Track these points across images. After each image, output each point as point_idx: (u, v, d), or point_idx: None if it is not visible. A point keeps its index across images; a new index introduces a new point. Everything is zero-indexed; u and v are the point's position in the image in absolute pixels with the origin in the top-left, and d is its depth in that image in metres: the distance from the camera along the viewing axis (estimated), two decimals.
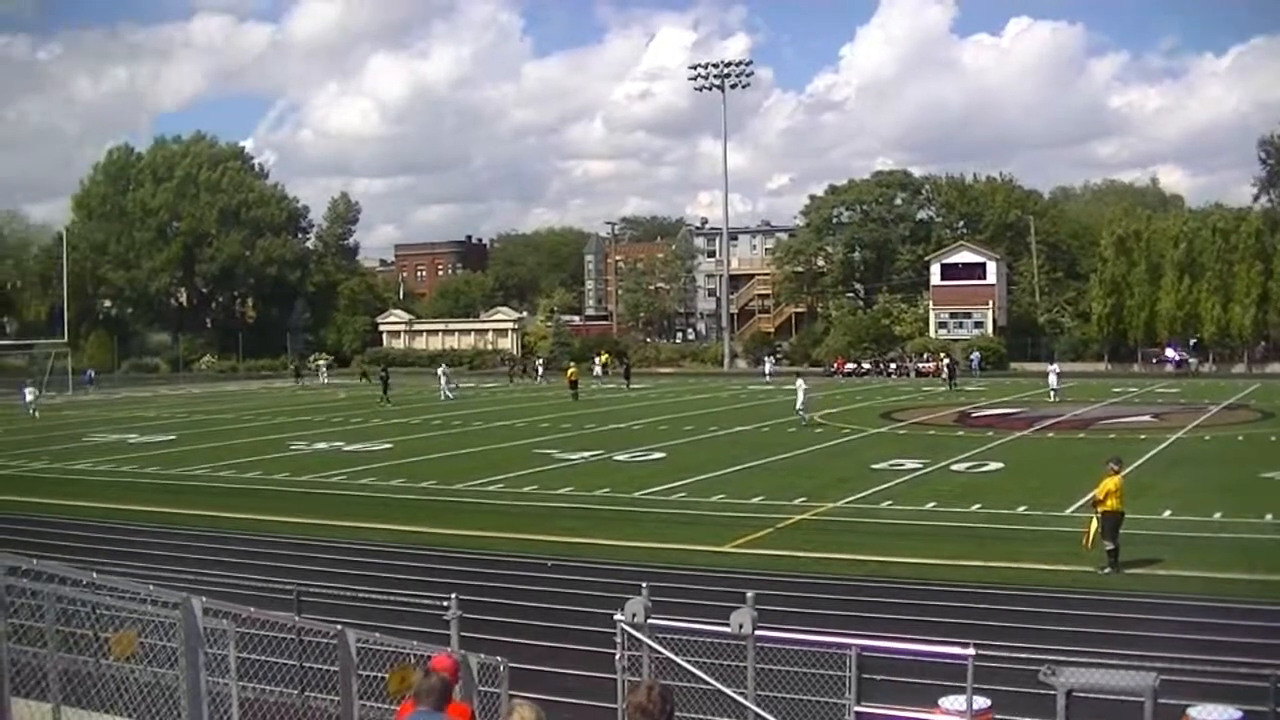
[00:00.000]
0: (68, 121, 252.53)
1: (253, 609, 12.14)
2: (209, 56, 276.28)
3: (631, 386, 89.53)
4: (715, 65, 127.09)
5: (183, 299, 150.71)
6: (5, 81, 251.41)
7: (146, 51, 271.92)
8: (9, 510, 35.84)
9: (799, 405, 56.77)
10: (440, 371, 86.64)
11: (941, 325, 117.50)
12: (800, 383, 58.96)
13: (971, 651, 11.10)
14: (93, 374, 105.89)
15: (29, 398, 75.29)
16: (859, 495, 34.76)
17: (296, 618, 14.43)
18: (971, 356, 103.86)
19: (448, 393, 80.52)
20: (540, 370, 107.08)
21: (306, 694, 14.36)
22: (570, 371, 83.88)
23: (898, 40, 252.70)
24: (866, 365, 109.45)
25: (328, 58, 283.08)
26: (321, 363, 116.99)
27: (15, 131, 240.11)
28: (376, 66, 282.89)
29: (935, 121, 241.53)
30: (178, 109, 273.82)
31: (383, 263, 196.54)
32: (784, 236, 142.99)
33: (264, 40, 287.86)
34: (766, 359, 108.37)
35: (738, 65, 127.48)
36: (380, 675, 11.75)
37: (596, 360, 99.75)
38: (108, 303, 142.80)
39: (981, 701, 11.79)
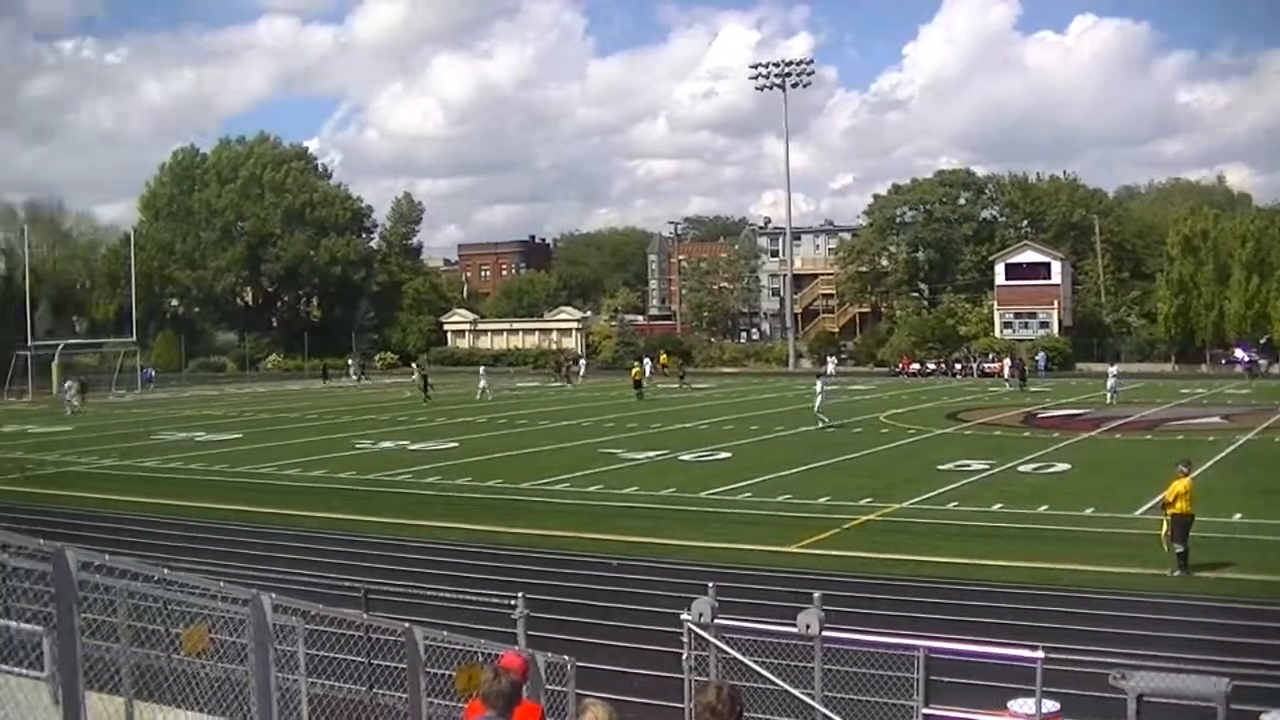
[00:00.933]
0: (136, 124, 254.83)
1: (321, 606, 12.18)
2: (274, 58, 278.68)
3: (690, 387, 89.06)
4: (776, 65, 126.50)
5: (248, 298, 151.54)
6: (75, 85, 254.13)
7: (213, 54, 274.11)
8: (81, 506, 36.19)
9: (817, 408, 55.98)
10: (481, 371, 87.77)
11: (1006, 325, 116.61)
12: (819, 384, 58.38)
13: (1040, 654, 11.02)
14: (152, 372, 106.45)
15: (69, 395, 78.31)
16: (925, 496, 34.58)
17: (365, 615, 14.44)
18: (1037, 357, 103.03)
19: (486, 393, 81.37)
20: (580, 372, 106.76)
21: (374, 691, 14.39)
22: (634, 371, 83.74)
23: (961, 38, 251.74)
24: (931, 365, 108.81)
25: (392, 58, 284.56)
26: (350, 362, 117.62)
27: (85, 134, 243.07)
28: (440, 67, 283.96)
29: (999, 120, 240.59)
30: (244, 111, 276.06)
31: (446, 262, 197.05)
32: (847, 236, 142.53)
33: (329, 41, 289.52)
34: (829, 359, 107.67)
35: (799, 64, 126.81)
36: (448, 673, 11.75)
37: (647, 362, 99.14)
38: (175, 302, 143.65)
39: (1050, 705, 11.69)
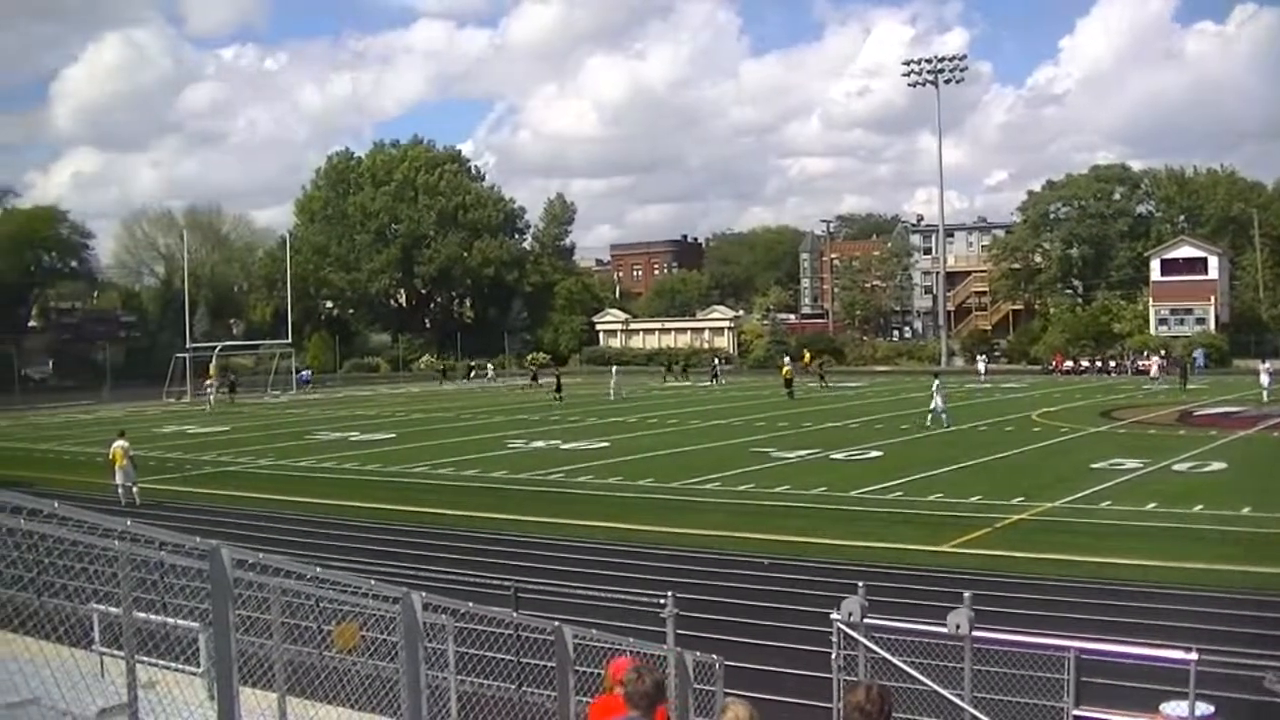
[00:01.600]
0: (293, 129, 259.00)
1: (471, 604, 12.24)
2: (430, 62, 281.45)
3: (827, 386, 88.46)
4: (929, 61, 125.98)
5: (402, 300, 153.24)
6: (234, 91, 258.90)
7: (369, 59, 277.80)
8: (236, 505, 36.78)
9: (939, 407, 55.39)
10: (613, 370, 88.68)
11: (1162, 322, 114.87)
12: (936, 382, 57.76)
13: (1194, 656, 10.80)
14: (308, 374, 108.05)
15: (210, 391, 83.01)
16: (1078, 495, 34.08)
17: (514, 613, 14.52)
18: (1195, 354, 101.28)
19: (618, 392, 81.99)
20: (719, 370, 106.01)
21: (523, 689, 14.46)
22: (785, 370, 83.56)
23: (1118, 30, 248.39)
24: (1085, 363, 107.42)
25: (546, 60, 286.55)
26: (474, 364, 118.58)
27: (244, 140, 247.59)
28: (594, 68, 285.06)
29: (1157, 113, 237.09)
30: (400, 114, 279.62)
31: (599, 262, 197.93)
32: (1000, 233, 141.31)
33: (483, 44, 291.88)
34: (980, 358, 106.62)
35: (952, 60, 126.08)
36: (597, 672, 11.78)
37: (787, 361, 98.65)
38: (329, 304, 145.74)
39: (1204, 708, 11.45)
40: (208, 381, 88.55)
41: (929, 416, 55.30)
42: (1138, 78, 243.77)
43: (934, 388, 56.73)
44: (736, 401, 75.62)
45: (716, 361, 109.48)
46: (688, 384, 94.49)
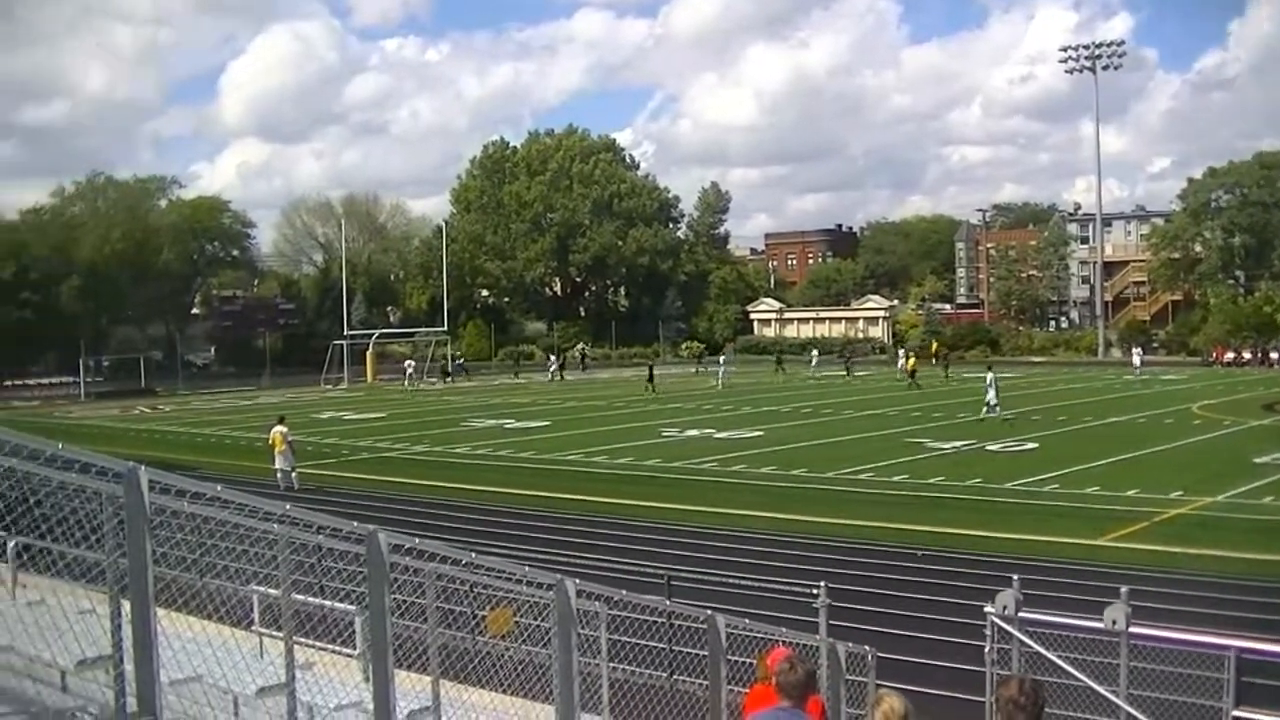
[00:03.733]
0: (455, 119, 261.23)
1: (624, 592, 12.29)
2: (591, 51, 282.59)
3: (950, 375, 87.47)
4: (1086, 47, 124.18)
5: (556, 288, 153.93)
6: (396, 82, 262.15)
7: (532, 49, 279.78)
8: (392, 490, 37.30)
9: (992, 400, 54.20)
10: (721, 360, 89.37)
11: None
12: (990, 375, 56.27)
13: None
14: (462, 361, 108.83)
15: (409, 373, 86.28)
16: (1240, 490, 33.48)
17: (667, 602, 14.57)
18: None
19: (723, 378, 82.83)
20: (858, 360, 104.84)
21: (675, 677, 14.50)
22: (911, 361, 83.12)
23: None
24: (1247, 355, 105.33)
25: (707, 49, 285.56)
26: (552, 357, 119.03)
27: (405, 130, 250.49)
28: (755, 56, 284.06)
29: None
30: (560, 103, 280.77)
31: (753, 251, 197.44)
32: (1159, 222, 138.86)
33: (643, 33, 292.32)
34: (1135, 350, 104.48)
35: (1110, 46, 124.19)
36: (749, 661, 11.77)
37: (900, 354, 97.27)
38: (485, 292, 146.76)
39: None
40: (408, 362, 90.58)
41: (983, 409, 54.29)
42: None
43: (987, 381, 55.33)
44: (888, 392, 74.91)
45: (847, 353, 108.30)
46: (844, 374, 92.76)
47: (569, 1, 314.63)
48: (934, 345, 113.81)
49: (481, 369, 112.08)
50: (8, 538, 11.29)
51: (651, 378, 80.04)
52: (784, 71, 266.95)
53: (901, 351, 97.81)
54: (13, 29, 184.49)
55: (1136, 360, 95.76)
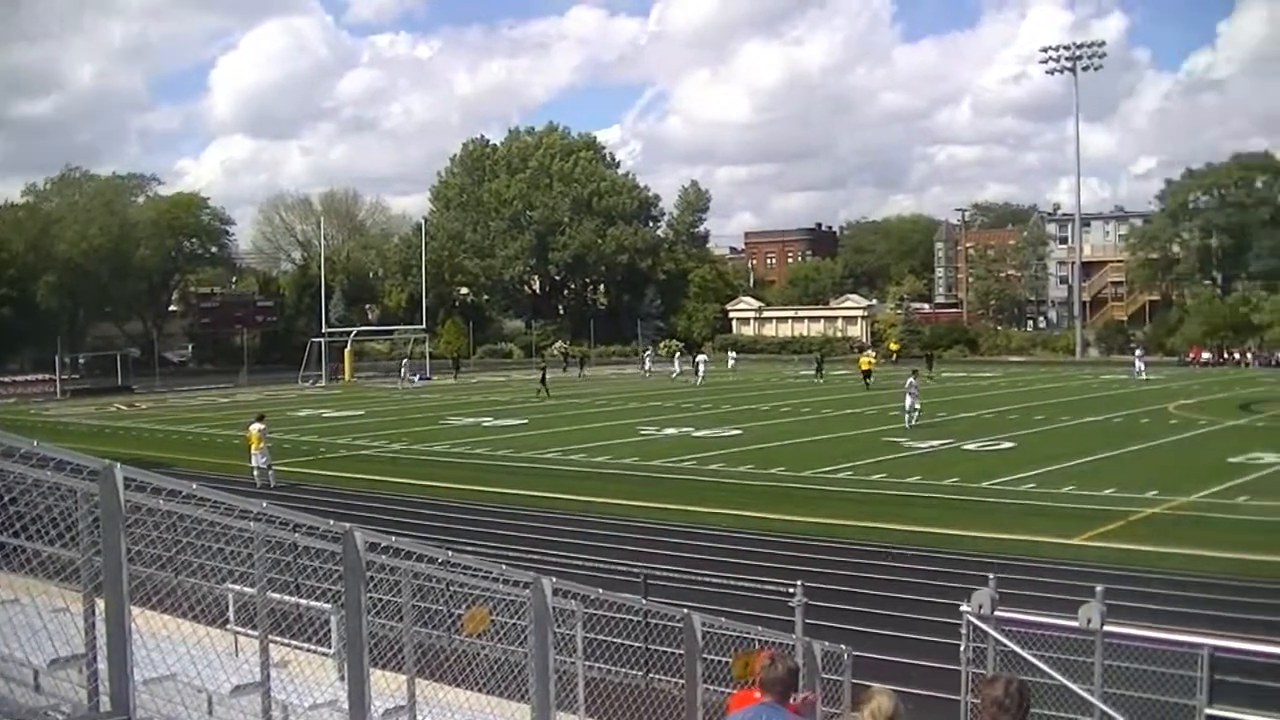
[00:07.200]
0: (445, 115, 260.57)
1: (600, 591, 12.31)
2: (583, 48, 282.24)
3: (936, 376, 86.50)
4: (1067, 48, 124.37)
5: (535, 286, 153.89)
6: (387, 78, 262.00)
7: (524, 46, 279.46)
8: (369, 488, 37.26)
9: (910, 405, 52.36)
10: (699, 359, 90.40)
11: None
12: (910, 380, 54.75)
13: None
14: (577, 357, 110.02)
15: (404, 374, 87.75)
16: (1215, 489, 33.62)
17: (643, 600, 14.58)
18: None
19: (699, 377, 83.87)
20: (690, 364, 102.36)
21: (651, 676, 14.53)
22: (864, 361, 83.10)
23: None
24: (1207, 355, 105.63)
25: (700, 46, 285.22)
26: (560, 344, 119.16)
27: (396, 125, 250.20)
28: (748, 54, 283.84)
29: None
30: (550, 100, 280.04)
31: (733, 250, 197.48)
32: (1138, 222, 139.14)
33: (636, 30, 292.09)
34: (1137, 353, 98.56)
35: (1090, 46, 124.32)
36: (724, 660, 11.79)
37: (870, 352, 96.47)
38: (464, 290, 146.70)
39: None
40: (405, 361, 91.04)
41: (909, 416, 52.34)
42: None
43: (907, 385, 53.90)
44: (867, 391, 74.87)
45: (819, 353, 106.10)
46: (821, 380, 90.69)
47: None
48: (892, 345, 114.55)
49: (463, 366, 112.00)
50: None
51: (544, 380, 77.35)
52: (777, 70, 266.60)
53: (871, 352, 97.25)
54: None
55: (1139, 365, 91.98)
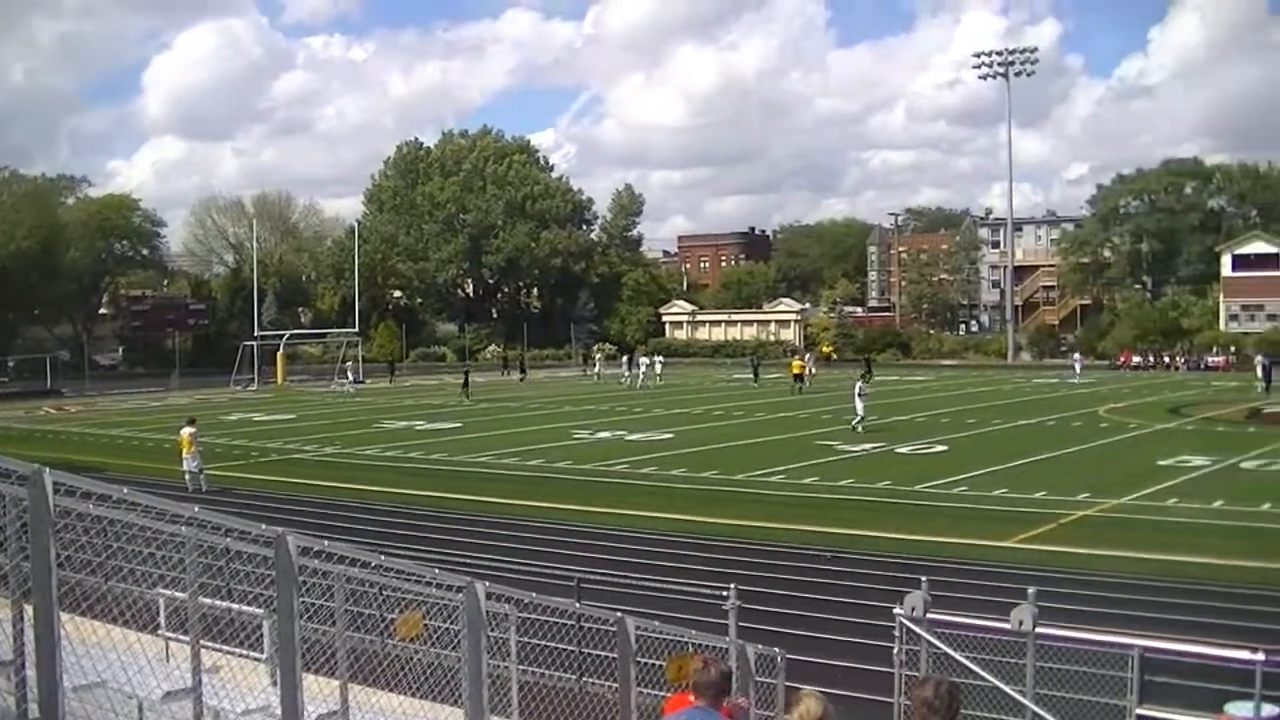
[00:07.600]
0: (380, 118, 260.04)
1: (534, 595, 12.30)
2: (518, 51, 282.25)
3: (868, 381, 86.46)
4: (999, 53, 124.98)
5: (469, 290, 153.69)
6: (322, 80, 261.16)
7: (458, 48, 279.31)
8: (301, 492, 37.08)
9: (859, 411, 52.52)
10: (641, 360, 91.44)
11: (1233, 318, 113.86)
12: (860, 385, 55.11)
13: (1261, 656, 10.71)
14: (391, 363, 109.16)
15: (351, 376, 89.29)
16: (1145, 492, 33.89)
17: (577, 604, 14.57)
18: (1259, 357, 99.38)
19: (646, 381, 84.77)
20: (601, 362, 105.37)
21: (584, 679, 14.51)
22: (796, 365, 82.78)
23: (1210, 21, 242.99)
24: (1138, 359, 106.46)
25: (635, 50, 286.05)
26: (493, 348, 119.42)
27: (330, 128, 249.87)
28: (683, 58, 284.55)
29: (1246, 106, 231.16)
30: (484, 103, 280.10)
31: (666, 254, 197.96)
32: (1070, 227, 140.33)
33: (570, 35, 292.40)
34: (1075, 356, 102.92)
35: (1022, 53, 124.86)
36: (658, 663, 11.81)
37: (807, 356, 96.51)
38: (397, 293, 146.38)
39: (1270, 709, 11.37)
40: (348, 364, 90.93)
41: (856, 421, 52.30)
42: (1227, 70, 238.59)
43: (856, 390, 54.10)
44: (799, 396, 75.04)
45: (754, 357, 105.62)
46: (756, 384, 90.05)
47: (498, 1, 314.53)
48: (825, 347, 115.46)
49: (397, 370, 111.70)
50: None
51: (467, 384, 77.77)
52: (711, 74, 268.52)
53: (808, 355, 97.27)
54: None
55: (1077, 368, 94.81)
